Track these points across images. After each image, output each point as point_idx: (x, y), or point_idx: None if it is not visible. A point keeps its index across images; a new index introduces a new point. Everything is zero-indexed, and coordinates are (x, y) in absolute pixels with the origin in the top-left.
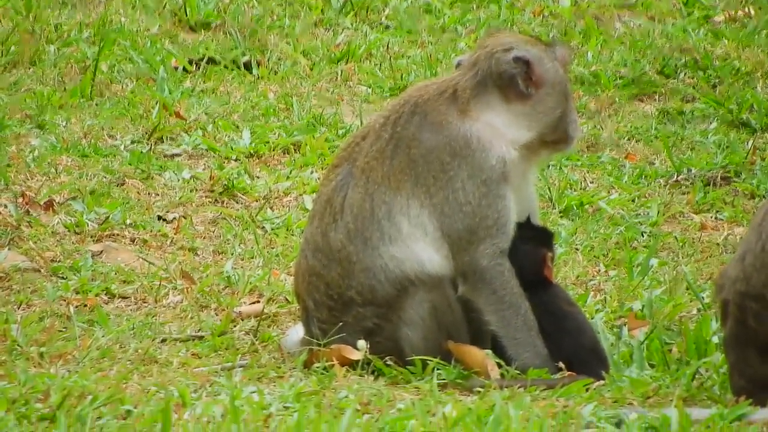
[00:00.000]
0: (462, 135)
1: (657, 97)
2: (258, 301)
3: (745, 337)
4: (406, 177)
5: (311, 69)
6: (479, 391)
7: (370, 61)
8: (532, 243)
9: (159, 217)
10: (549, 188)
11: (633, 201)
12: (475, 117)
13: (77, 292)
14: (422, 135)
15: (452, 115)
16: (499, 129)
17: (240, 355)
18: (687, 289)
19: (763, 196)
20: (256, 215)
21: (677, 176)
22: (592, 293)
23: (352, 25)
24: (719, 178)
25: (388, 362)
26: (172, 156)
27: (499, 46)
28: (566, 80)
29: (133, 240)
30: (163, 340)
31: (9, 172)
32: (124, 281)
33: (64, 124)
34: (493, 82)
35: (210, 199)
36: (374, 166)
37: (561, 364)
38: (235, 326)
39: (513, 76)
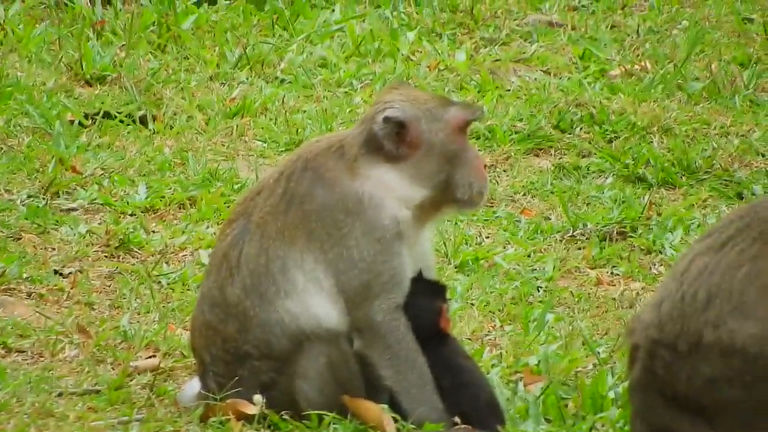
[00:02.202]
0: (353, 193)
1: (553, 151)
2: (154, 356)
3: (652, 383)
4: (300, 232)
5: (207, 123)
6: None
7: (265, 116)
8: (425, 296)
9: (55, 272)
10: (444, 243)
11: (529, 256)
12: (365, 174)
13: None
14: (315, 191)
15: (342, 172)
16: (390, 187)
17: (136, 409)
18: (583, 344)
19: (659, 252)
20: (152, 270)
21: (573, 231)
22: (487, 348)
23: (247, 79)
24: (615, 233)
25: (285, 416)
26: (69, 210)
27: (381, 105)
28: (451, 143)
29: (29, 294)
30: (60, 394)
31: None
32: (21, 335)
33: None
34: (374, 140)
35: (106, 254)
36: (269, 221)
37: (456, 419)
38: (131, 380)
39: (383, 137)
